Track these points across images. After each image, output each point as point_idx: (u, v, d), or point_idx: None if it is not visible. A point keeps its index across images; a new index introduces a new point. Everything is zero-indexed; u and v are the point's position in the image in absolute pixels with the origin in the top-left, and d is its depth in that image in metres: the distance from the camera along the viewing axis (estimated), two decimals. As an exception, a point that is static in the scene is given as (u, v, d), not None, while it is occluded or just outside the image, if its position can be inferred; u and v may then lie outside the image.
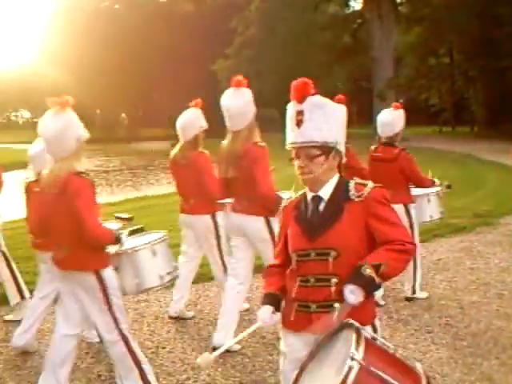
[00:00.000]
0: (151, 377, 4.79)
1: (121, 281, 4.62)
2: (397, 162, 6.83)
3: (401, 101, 48.78)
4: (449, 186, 7.27)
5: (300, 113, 3.12)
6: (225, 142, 5.66)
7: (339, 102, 4.04)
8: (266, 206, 5.37)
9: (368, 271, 2.92)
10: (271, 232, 5.51)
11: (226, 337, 5.52)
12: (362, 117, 42.56)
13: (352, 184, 3.15)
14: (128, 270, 4.71)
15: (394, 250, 3.00)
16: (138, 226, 5.05)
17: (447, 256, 9.15)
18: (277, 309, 3.26)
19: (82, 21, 53.03)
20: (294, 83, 3.18)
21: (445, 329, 6.31)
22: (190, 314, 6.82)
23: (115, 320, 4.51)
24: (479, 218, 11.59)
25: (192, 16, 54.60)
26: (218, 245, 6.43)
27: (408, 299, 7.19)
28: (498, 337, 6.06)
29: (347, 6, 50.21)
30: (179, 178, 6.53)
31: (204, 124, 6.44)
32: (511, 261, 8.68)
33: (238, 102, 5.46)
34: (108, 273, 4.47)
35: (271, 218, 5.46)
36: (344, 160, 3.25)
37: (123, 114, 47.87)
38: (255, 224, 5.56)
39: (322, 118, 3.11)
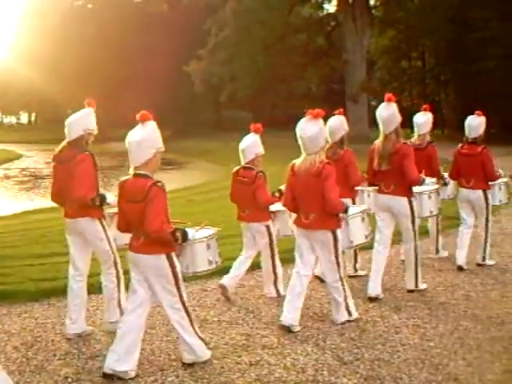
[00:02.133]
0: None
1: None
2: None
3: (373, 103, 49.11)
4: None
5: None
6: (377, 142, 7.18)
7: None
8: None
9: None
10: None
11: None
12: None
13: None
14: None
15: None
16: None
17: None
18: None
19: (55, 19, 52.57)
20: None
21: (413, 330, 6.35)
22: None
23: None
24: (447, 221, 11.70)
25: (167, 16, 54.44)
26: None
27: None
28: (465, 337, 6.13)
29: (321, 8, 50.37)
30: None
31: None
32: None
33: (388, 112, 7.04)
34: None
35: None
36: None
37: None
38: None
39: None
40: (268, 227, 7.24)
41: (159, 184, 5.06)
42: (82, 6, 60.11)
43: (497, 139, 25.69)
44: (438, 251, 9.18)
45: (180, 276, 5.28)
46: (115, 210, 5.87)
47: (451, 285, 7.87)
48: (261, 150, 7.16)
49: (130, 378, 5.26)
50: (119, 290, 6.33)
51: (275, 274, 7.42)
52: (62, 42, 50.34)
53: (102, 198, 6.04)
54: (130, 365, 5.24)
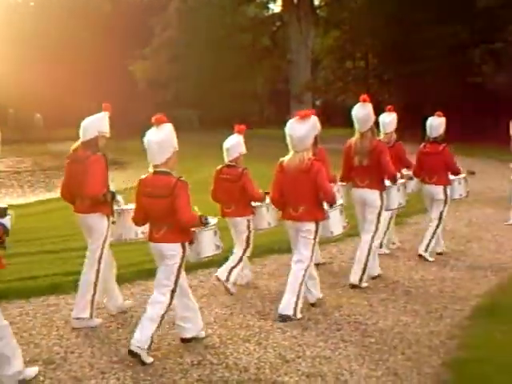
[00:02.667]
0: None
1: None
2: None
3: (317, 102, 49.53)
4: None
5: None
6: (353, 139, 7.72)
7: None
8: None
9: None
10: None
11: None
12: (279, 118, 42.91)
13: None
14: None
15: None
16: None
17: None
18: None
19: (-5, 17, 51.48)
20: None
21: (354, 326, 6.44)
22: (99, 320, 6.66)
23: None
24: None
25: (110, 16, 53.77)
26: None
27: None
28: (405, 332, 6.24)
29: (267, 8, 50.54)
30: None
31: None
32: (419, 259, 8.92)
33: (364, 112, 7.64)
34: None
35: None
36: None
37: (38, 115, 46.74)
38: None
39: None
40: (249, 221, 7.60)
41: (182, 179, 5.62)
42: (24, 5, 58.95)
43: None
44: (393, 243, 9.77)
45: (183, 266, 5.80)
46: (122, 207, 6.60)
47: (392, 281, 8.01)
48: (243, 149, 7.55)
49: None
50: (95, 287, 6.48)
51: (238, 263, 7.63)
52: (3, 40, 49.26)
53: (113, 195, 6.47)
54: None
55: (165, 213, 5.58)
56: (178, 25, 42.24)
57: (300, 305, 6.65)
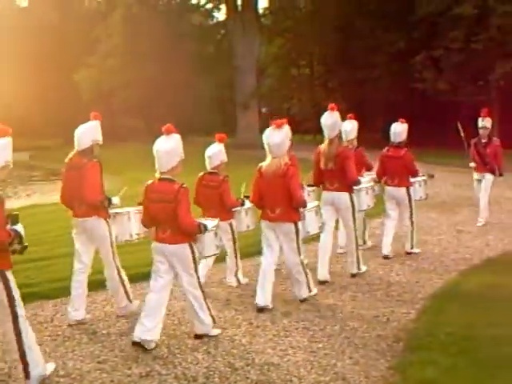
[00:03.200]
0: None
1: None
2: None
3: (263, 110, 49.70)
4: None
5: None
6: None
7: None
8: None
9: None
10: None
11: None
12: (226, 126, 42.93)
13: None
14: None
15: None
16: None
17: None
18: None
19: None
20: None
21: (302, 332, 6.49)
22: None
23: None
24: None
25: (57, 25, 53.00)
26: None
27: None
28: (352, 337, 6.32)
29: (211, 16, 50.53)
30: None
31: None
32: (366, 264, 9.02)
33: (332, 119, 8.15)
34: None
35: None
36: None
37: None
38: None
39: None
40: (231, 225, 8.04)
41: (184, 186, 6.05)
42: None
43: (382, 144, 26.50)
44: (365, 242, 10.10)
45: (197, 260, 6.33)
46: (116, 210, 7.09)
47: (339, 287, 8.09)
48: (225, 157, 8.00)
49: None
50: (122, 279, 7.06)
51: (237, 265, 8.31)
52: None
53: (109, 200, 6.86)
54: (155, 335, 6.14)
55: (169, 217, 6.03)
56: (123, 33, 41.90)
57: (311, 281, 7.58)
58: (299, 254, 7.31)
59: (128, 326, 6.77)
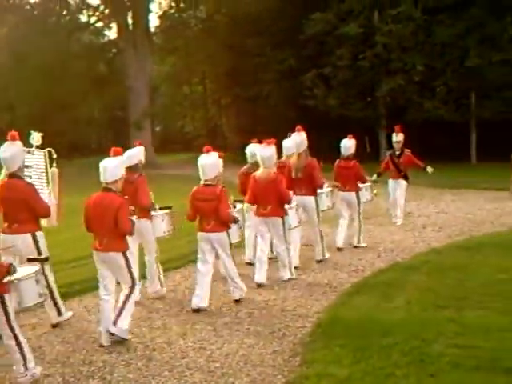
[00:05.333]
0: None
1: None
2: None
3: (157, 128, 49.22)
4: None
5: None
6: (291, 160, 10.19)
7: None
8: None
9: None
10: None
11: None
12: (118, 145, 42.45)
13: None
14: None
15: None
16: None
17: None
18: None
19: None
20: None
21: (199, 352, 6.44)
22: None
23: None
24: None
25: None
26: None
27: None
28: (249, 354, 6.33)
29: (102, 35, 49.80)
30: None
31: None
32: (256, 282, 9.08)
33: (301, 138, 10.16)
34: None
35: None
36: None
37: None
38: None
39: None
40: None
41: (224, 188, 8.04)
42: None
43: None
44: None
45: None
46: (152, 213, 8.63)
47: (235, 305, 8.09)
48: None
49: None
50: (158, 267, 8.73)
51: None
52: None
53: (153, 204, 8.64)
54: (205, 303, 7.95)
55: (212, 211, 7.88)
56: (9, 52, 40.62)
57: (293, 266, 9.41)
58: (285, 242, 9.17)
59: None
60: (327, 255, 10.44)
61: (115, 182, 7.04)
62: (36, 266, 6.28)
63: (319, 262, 10.26)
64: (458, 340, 6.18)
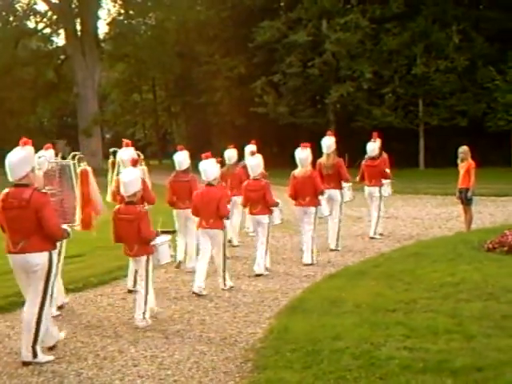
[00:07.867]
0: None
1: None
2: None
3: (107, 136, 48.80)
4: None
5: None
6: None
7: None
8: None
9: None
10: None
11: None
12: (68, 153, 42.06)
13: None
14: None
15: None
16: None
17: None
18: None
19: None
20: None
21: (150, 360, 6.40)
22: None
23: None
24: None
25: None
26: None
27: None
28: (201, 361, 6.31)
29: (50, 41, 49.09)
30: None
31: None
32: (206, 288, 9.08)
33: (331, 141, 12.09)
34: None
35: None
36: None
37: None
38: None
39: None
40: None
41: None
42: None
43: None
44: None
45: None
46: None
47: (187, 311, 8.08)
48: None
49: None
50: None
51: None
52: None
53: None
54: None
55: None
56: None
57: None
58: (314, 229, 10.77)
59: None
60: (340, 248, 11.82)
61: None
62: (169, 235, 8.17)
63: (332, 250, 11.71)
64: (406, 343, 6.27)
